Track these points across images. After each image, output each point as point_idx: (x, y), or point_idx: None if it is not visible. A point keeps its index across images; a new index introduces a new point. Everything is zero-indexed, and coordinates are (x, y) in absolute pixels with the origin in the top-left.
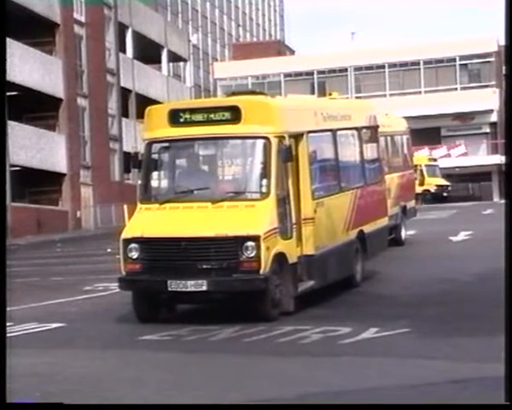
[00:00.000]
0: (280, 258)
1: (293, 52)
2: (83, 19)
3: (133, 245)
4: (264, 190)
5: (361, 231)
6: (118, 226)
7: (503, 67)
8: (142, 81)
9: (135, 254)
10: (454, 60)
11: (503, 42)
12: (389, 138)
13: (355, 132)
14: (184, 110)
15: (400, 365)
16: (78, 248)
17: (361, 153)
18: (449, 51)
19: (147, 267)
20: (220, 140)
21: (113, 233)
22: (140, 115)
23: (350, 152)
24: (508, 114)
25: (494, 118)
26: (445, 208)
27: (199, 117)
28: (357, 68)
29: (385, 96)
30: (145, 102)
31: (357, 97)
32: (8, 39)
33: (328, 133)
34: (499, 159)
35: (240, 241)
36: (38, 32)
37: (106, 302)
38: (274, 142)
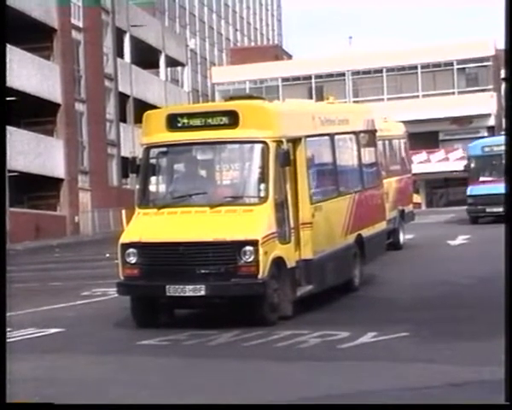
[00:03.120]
0: (278, 262)
1: (290, 57)
2: (80, 24)
3: (131, 250)
4: (262, 194)
5: (359, 236)
6: (116, 231)
7: (501, 71)
8: (140, 86)
9: (133, 259)
10: (451, 64)
11: (500, 46)
12: (387, 142)
13: (353, 137)
14: (182, 115)
15: (399, 368)
16: (77, 254)
17: (359, 157)
18: (446, 55)
19: (145, 272)
20: (218, 145)
21: (112, 238)
22: (138, 120)
23: (348, 156)
24: (507, 117)
25: (492, 122)
26: (443, 212)
27: (197, 122)
28: (355, 73)
29: (382, 100)
30: (143, 106)
31: (354, 102)
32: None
33: (326, 138)
34: None
35: (238, 245)
36: (36, 37)
37: (104, 307)
38: (272, 146)
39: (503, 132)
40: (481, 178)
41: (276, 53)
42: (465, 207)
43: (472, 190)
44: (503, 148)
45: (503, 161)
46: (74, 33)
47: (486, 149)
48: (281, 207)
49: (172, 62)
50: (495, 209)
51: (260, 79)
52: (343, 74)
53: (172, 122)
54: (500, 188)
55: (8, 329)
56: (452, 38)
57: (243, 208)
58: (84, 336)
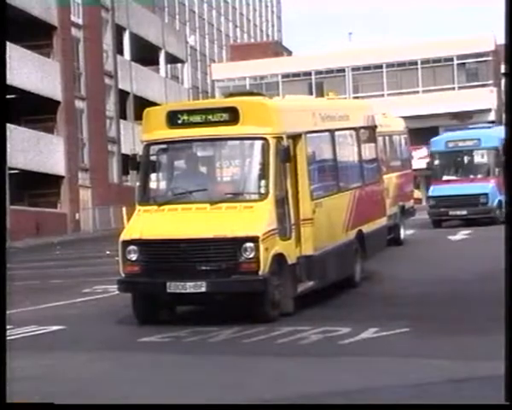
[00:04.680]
0: (279, 259)
1: (290, 53)
2: (80, 21)
3: (132, 247)
4: (262, 190)
5: (360, 231)
6: (116, 228)
7: (501, 66)
8: (140, 83)
9: (134, 256)
10: (451, 59)
11: (500, 41)
12: (387, 138)
13: (353, 132)
14: (182, 112)
15: (400, 364)
16: (77, 251)
17: (359, 153)
18: (446, 51)
19: (146, 269)
20: (218, 141)
21: (112, 235)
22: (138, 117)
23: (348, 152)
24: (507, 112)
25: (492, 117)
26: None
27: (197, 118)
28: (355, 68)
29: (383, 95)
30: (143, 103)
31: (354, 97)
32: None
33: (327, 134)
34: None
35: (239, 242)
36: (36, 34)
37: (105, 305)
38: (272, 142)
39: (471, 126)
40: (445, 177)
41: (276, 49)
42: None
43: (434, 190)
44: (468, 143)
45: (470, 158)
46: (74, 31)
47: (451, 145)
48: (281, 203)
49: (172, 59)
50: (459, 212)
51: (260, 75)
52: (343, 70)
53: (172, 119)
54: (465, 188)
55: (9, 326)
56: (452, 33)
57: (244, 205)
58: (84, 334)
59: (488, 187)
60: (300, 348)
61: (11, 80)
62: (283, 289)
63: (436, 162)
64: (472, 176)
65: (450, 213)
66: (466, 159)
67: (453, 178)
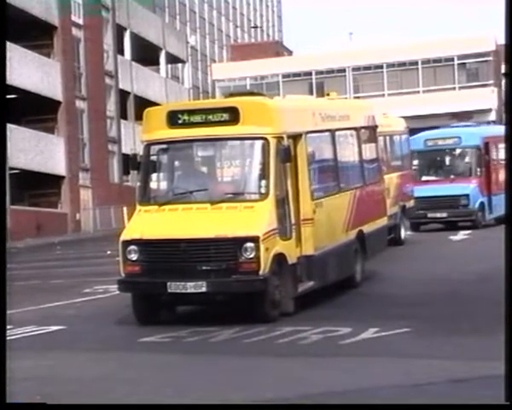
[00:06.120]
0: (279, 259)
1: (291, 53)
2: (81, 21)
3: (132, 247)
4: (263, 190)
5: (360, 231)
6: (117, 228)
7: (502, 66)
8: (141, 83)
9: (134, 256)
10: (452, 59)
11: (500, 40)
12: (388, 138)
13: (354, 132)
14: (183, 112)
15: (400, 364)
16: (78, 251)
17: (360, 153)
18: (447, 51)
19: (146, 269)
20: (219, 141)
21: (113, 235)
22: (138, 117)
23: (349, 152)
24: (508, 112)
25: (492, 117)
26: None
27: (197, 118)
28: (356, 68)
29: (383, 95)
30: (143, 103)
31: (355, 97)
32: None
33: (327, 134)
34: None
35: (239, 242)
36: (37, 34)
37: (105, 305)
38: (272, 142)
39: (455, 124)
40: (424, 178)
41: (277, 49)
42: None
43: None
44: (448, 142)
45: (450, 158)
46: (74, 31)
47: (430, 144)
48: (282, 203)
49: (173, 59)
50: (438, 214)
51: (261, 75)
52: (344, 70)
53: (173, 119)
54: (445, 189)
55: (9, 326)
56: (453, 33)
57: (244, 205)
58: (85, 334)
59: (469, 188)
60: (300, 349)
61: (11, 80)
62: (284, 289)
63: (414, 162)
64: (452, 176)
65: (429, 215)
66: (446, 158)
67: (432, 178)
